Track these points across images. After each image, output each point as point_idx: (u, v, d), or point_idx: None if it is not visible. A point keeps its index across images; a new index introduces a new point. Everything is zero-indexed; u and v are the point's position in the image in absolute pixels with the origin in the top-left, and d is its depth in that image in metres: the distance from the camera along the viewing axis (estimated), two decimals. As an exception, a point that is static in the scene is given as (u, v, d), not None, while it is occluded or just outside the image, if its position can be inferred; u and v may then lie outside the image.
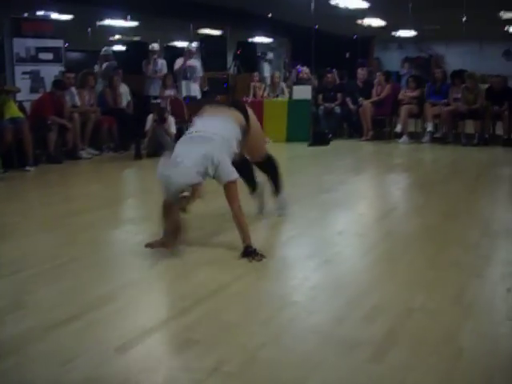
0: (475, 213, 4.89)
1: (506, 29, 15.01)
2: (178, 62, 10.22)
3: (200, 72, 10.45)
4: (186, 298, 2.92)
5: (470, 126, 9.71)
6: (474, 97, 9.74)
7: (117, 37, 15.67)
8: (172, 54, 12.48)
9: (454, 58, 16.67)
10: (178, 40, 16.59)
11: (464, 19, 13.04)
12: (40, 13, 10.53)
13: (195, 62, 10.40)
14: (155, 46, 10.51)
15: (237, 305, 2.85)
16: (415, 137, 10.07)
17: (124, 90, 9.25)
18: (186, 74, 10.21)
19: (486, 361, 2.27)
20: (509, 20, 13.81)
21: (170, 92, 9.54)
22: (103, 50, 10.72)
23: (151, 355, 2.33)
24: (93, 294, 2.96)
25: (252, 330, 2.56)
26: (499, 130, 10.00)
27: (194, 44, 11.13)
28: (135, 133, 8.41)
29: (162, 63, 10.38)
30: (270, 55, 15.58)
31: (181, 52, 10.78)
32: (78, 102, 8.46)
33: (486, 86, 10.34)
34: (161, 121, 8.21)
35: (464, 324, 2.60)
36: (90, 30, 14.82)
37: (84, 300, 2.88)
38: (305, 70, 11.69)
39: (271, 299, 2.93)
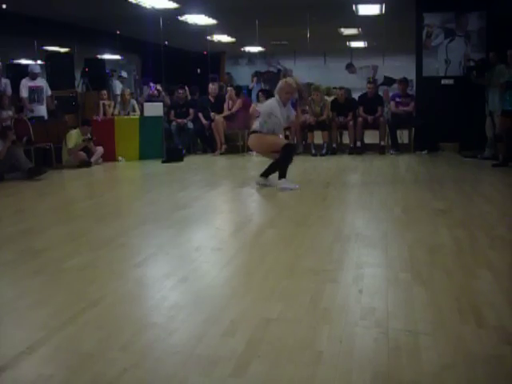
0: (326, 219, 5.08)
1: (347, 44, 15.93)
2: (23, 86, 9.77)
3: (48, 92, 10.06)
4: (37, 329, 2.75)
5: (318, 137, 10.14)
6: (321, 109, 10.21)
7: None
8: (16, 71, 11.87)
9: (302, 71, 17.36)
10: (22, 58, 15.86)
11: (308, 35, 13.62)
12: None
13: (41, 83, 9.99)
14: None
15: (93, 332, 2.73)
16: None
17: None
18: (32, 95, 9.81)
19: (343, 362, 2.35)
20: (349, 36, 14.67)
21: (6, 113, 9.04)
22: None
23: (-1, 395, 2.18)
24: None
25: (111, 356, 2.46)
26: (346, 139, 10.54)
27: (37, 64, 10.62)
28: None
29: (5, 83, 9.82)
30: (124, 73, 15.30)
31: (26, 70, 10.29)
32: None
33: (332, 97, 10.89)
34: (20, 140, 8.18)
35: (321, 329, 2.67)
36: None
37: None
38: (157, 87, 11.67)
39: (129, 323, 2.84)
